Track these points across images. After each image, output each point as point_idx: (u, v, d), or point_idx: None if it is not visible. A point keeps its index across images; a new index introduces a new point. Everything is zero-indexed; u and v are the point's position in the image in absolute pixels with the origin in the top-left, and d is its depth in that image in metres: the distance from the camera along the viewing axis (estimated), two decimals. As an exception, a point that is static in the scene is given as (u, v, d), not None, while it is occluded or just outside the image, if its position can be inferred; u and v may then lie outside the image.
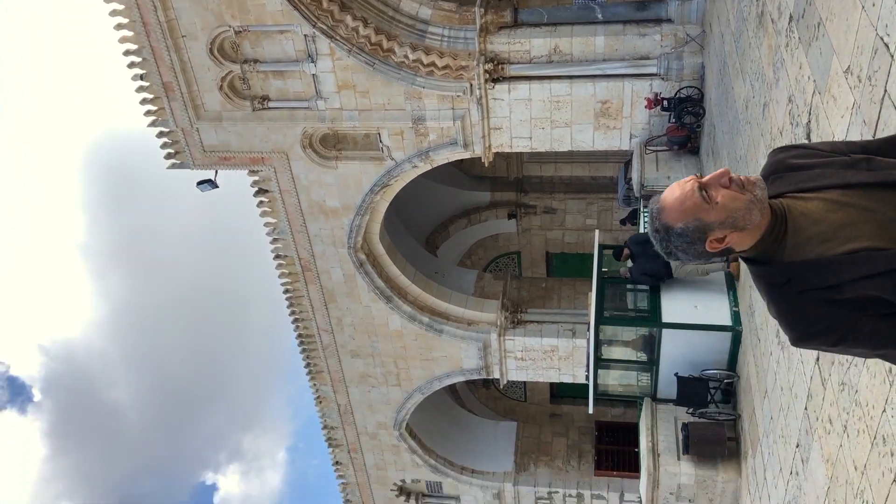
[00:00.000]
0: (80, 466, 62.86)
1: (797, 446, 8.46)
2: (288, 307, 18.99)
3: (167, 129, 16.22)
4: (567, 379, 19.04)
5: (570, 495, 20.89)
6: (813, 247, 2.34)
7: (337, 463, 21.68)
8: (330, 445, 21.37)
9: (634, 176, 15.64)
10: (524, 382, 25.34)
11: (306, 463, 73.26)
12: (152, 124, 16.18)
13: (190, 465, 67.66)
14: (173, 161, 16.60)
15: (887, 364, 5.78)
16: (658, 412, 12.54)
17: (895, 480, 5.60)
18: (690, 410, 12.02)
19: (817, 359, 7.58)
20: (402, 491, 21.93)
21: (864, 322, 2.31)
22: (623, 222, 19.33)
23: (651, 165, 15.32)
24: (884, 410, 5.80)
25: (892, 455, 5.65)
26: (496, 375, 19.15)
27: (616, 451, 21.54)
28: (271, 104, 15.88)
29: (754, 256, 2.46)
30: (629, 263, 12.57)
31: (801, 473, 8.30)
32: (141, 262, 58.50)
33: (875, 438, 5.96)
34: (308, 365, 19.88)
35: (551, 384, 25.16)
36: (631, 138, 15.75)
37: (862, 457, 6.28)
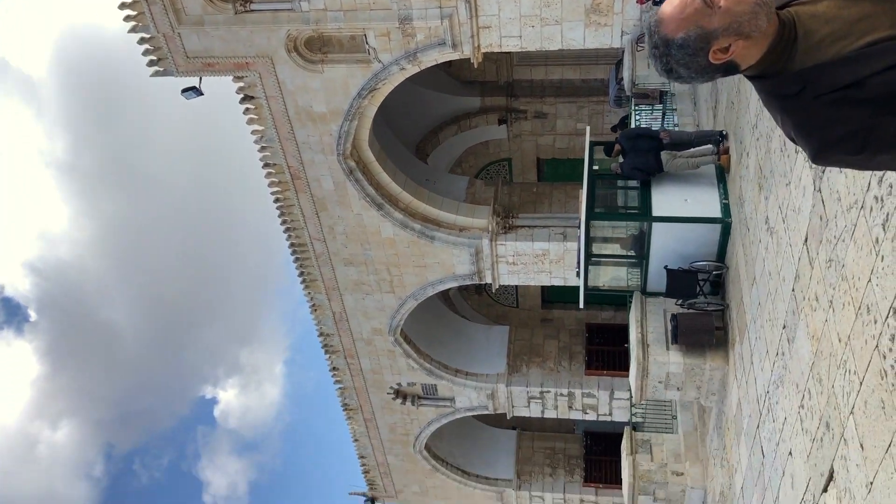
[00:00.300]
0: (79, 384, 64.11)
1: (783, 328, 8.69)
2: (279, 216, 18.97)
3: (148, 35, 15.80)
4: (558, 282, 19.30)
5: (562, 394, 21.49)
6: (826, 48, 2.18)
7: (334, 369, 22.10)
8: (326, 352, 21.74)
9: (626, 74, 15.46)
10: (516, 289, 25.67)
11: (304, 376, 74.96)
12: (133, 30, 15.74)
13: (189, 381, 69.22)
14: (156, 68, 16.24)
15: (874, 235, 5.87)
16: (647, 305, 12.77)
17: (877, 347, 5.78)
18: (679, 302, 12.25)
19: (805, 239, 7.70)
20: (399, 394, 22.49)
21: (888, 120, 2.14)
22: (614, 128, 19.18)
23: (643, 62, 15.11)
24: (869, 280, 5.94)
25: (874, 322, 5.82)
26: (488, 280, 19.36)
27: (606, 352, 22.05)
28: (254, 6, 15.42)
29: (762, 72, 2.29)
30: (620, 159, 12.56)
31: (787, 353, 8.54)
32: (129, 176, 58.12)
33: (860, 309, 6.13)
34: (302, 274, 20.02)
35: (542, 290, 25.51)
36: (622, 35, 15.43)
37: (846, 328, 6.47)
